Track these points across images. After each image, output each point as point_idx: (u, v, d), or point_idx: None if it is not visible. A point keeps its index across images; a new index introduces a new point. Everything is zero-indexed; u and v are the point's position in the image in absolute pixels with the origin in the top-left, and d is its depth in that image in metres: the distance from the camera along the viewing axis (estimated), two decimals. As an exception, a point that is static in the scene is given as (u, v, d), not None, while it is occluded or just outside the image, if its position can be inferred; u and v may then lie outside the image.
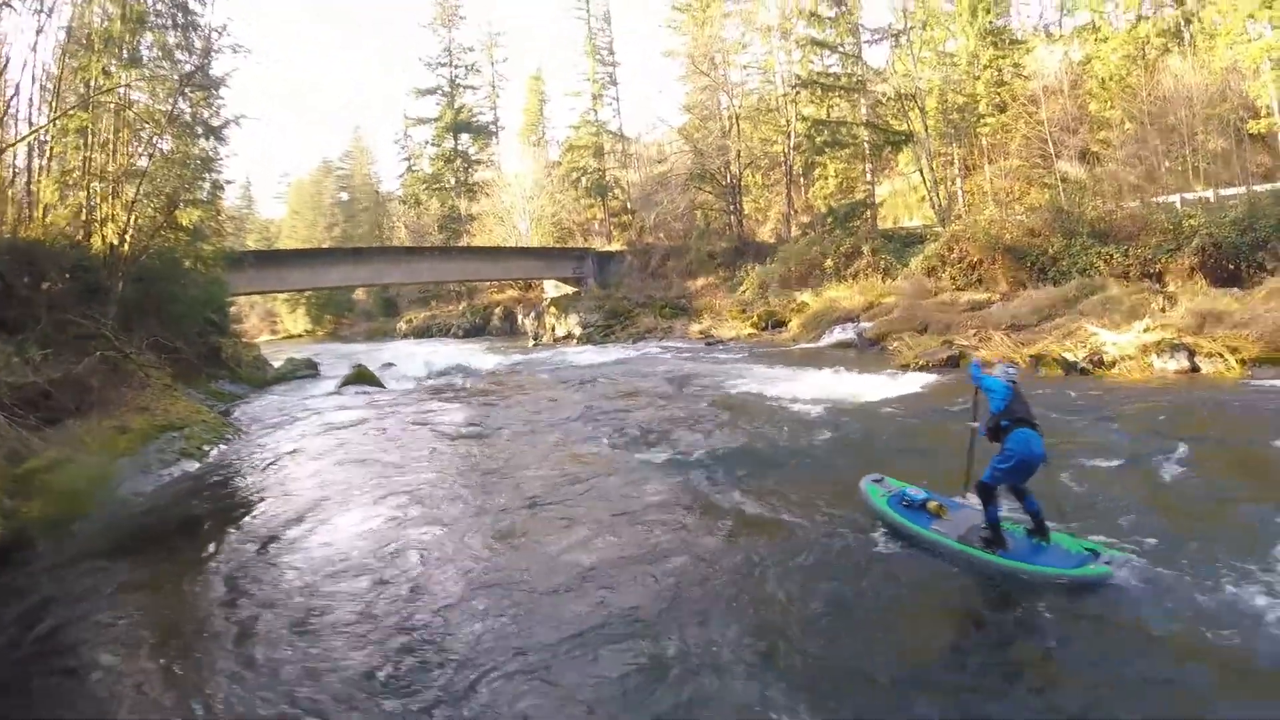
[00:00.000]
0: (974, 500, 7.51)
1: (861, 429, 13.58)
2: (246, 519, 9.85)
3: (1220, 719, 4.85)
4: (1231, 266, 23.26)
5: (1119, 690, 5.13)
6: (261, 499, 10.80)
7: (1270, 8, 28.27)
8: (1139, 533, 7.52)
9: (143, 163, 19.92)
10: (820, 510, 8.73)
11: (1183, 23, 36.35)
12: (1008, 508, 7.50)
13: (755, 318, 36.64)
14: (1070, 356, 18.72)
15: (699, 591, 6.79)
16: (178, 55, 21.44)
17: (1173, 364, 17.28)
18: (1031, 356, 19.42)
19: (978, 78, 41.39)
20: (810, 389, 17.88)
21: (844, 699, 5.16)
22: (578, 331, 42.67)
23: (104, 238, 18.84)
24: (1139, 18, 37.79)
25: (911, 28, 43.64)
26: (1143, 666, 5.38)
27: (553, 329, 45.23)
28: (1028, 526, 7.27)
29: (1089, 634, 5.85)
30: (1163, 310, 19.95)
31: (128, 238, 18.99)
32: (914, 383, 18.39)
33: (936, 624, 6.43)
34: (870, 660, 5.60)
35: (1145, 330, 18.63)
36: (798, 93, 46.40)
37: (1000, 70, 40.56)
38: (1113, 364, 18.09)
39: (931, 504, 7.89)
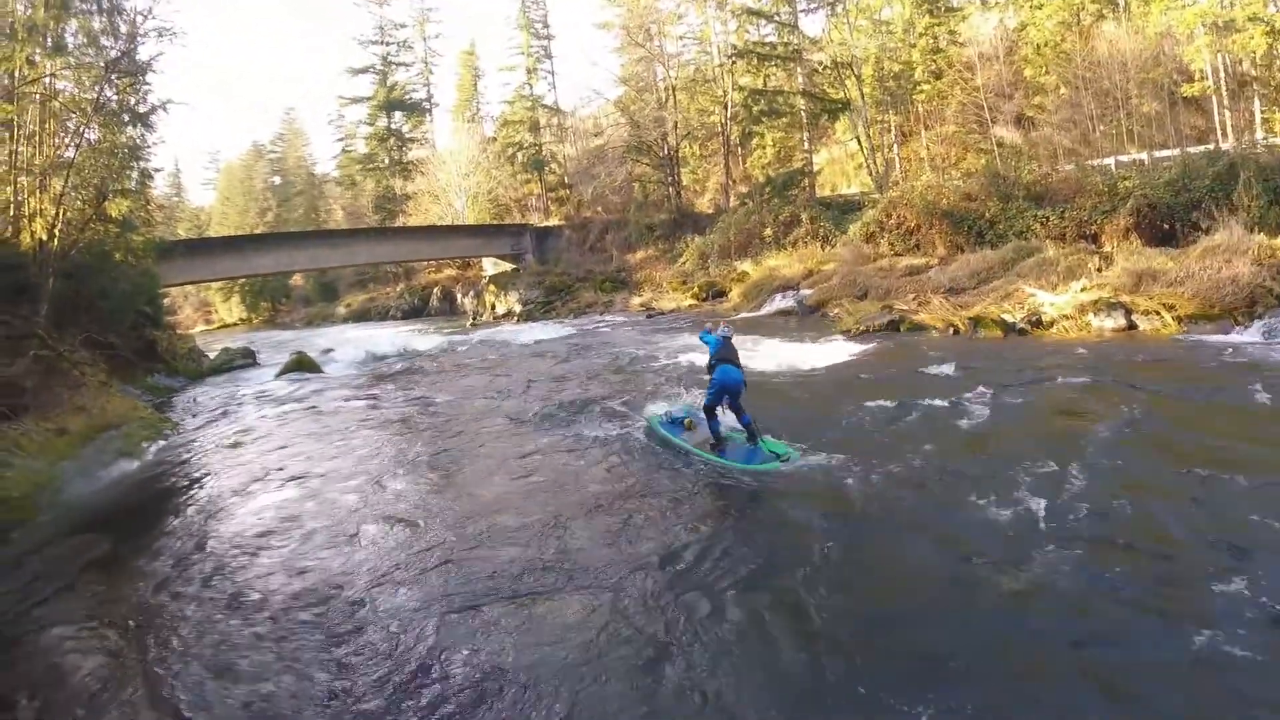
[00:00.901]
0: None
1: (782, 397, 13.71)
2: (188, 515, 9.71)
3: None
4: (1166, 226, 23.31)
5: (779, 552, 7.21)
6: (202, 494, 10.65)
7: (1205, -26, 28.43)
8: (910, 458, 9.37)
9: (70, 154, 19.08)
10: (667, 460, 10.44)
11: (1118, -12, 36.53)
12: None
13: (696, 288, 36.42)
14: (1009, 318, 18.67)
15: (569, 524, 8.22)
16: (103, 41, 20.44)
17: (1110, 322, 17.27)
18: (971, 319, 19.29)
19: (913, 45, 41.43)
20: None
21: (612, 551, 7.41)
22: (517, 309, 42.13)
23: (33, 233, 18.02)
24: (1074, -16, 37.92)
25: (847, -5, 43.50)
26: (804, 537, 7.41)
27: (492, 307, 44.65)
28: (745, 437, 10.15)
29: (773, 511, 8.41)
30: (1099, 270, 19.81)
31: (57, 232, 18.24)
32: (851, 349, 18.33)
33: (687, 501, 8.82)
34: (643, 531, 7.90)
35: (1082, 290, 18.66)
36: (734, 62, 46.00)
37: (936, 37, 40.56)
38: (1051, 324, 18.05)
39: (686, 420, 10.95)
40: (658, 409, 12.02)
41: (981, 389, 12.50)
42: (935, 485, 8.49)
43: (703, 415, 10.51)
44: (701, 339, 10.95)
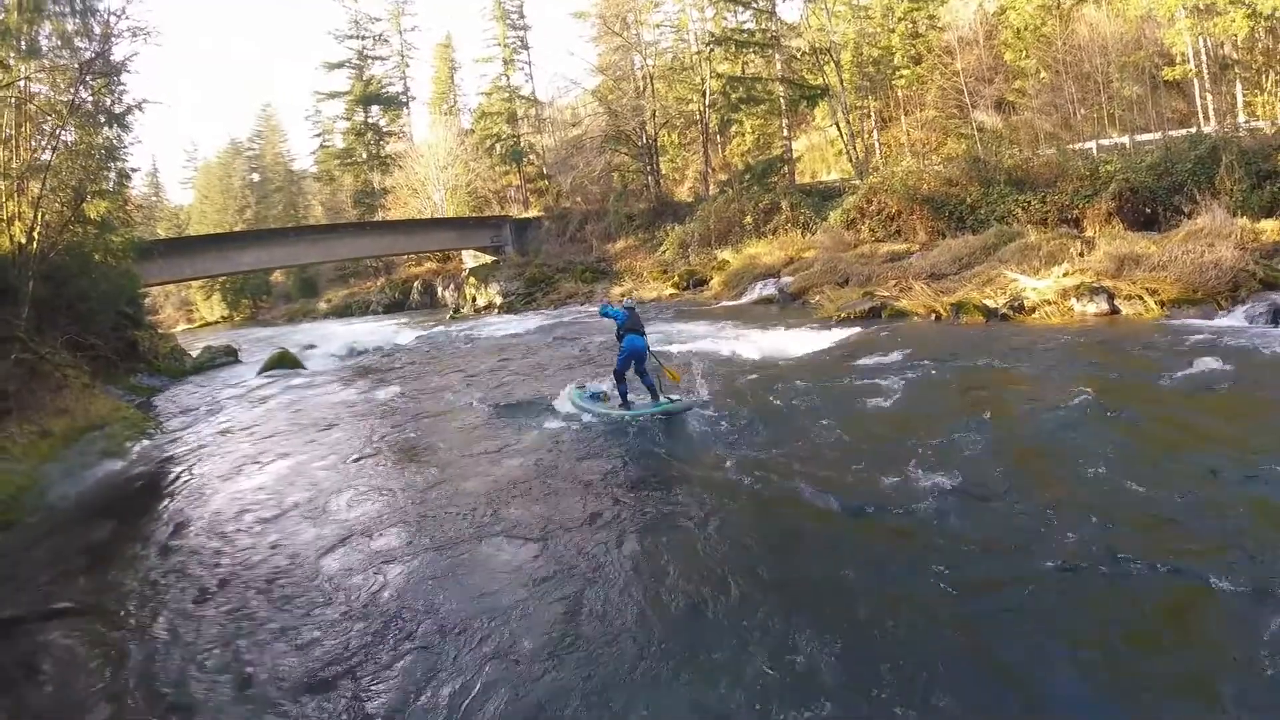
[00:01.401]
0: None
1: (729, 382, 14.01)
2: (172, 510, 9.88)
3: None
4: (1148, 210, 23.17)
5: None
6: (186, 489, 10.82)
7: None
8: (821, 431, 10.19)
9: (47, 156, 18.83)
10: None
11: (1098, -28, 36.34)
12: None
13: (677, 277, 36.07)
14: (991, 303, 18.40)
15: (516, 490, 9.12)
16: (77, 43, 20.16)
17: (1093, 307, 17.01)
18: (952, 305, 19.01)
19: (892, 30, 41.35)
20: (712, 345, 18.30)
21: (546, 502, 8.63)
22: (498, 301, 41.83)
23: (11, 237, 17.80)
24: (1055, -32, 37.70)
25: (825, -19, 43.20)
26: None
27: (473, 299, 44.30)
28: (646, 396, 12.13)
29: (680, 473, 9.33)
30: (1081, 255, 19.57)
31: (36, 235, 17.96)
32: (826, 338, 17.99)
33: (601, 453, 10.43)
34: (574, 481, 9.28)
35: (1064, 275, 18.42)
36: (712, 50, 45.56)
37: (915, 22, 40.54)
38: (1033, 309, 17.79)
39: (602, 394, 12.67)
40: (575, 386, 13.60)
41: (926, 370, 13.30)
42: (837, 454, 9.21)
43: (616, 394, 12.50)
44: (603, 313, 12.90)
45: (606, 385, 13.07)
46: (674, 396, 12.11)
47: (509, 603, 6.25)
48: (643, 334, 12.14)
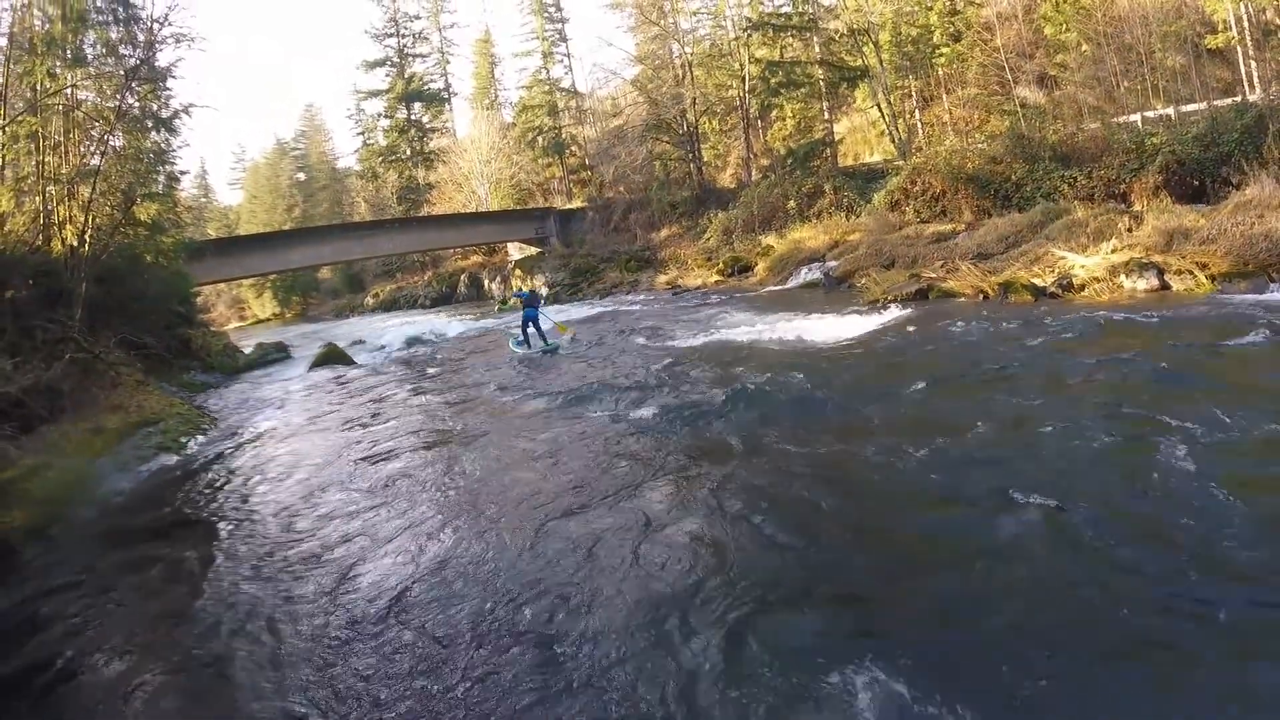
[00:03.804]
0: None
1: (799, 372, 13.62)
2: (229, 506, 9.99)
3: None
4: (1196, 183, 23.01)
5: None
6: (242, 485, 10.97)
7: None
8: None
9: (96, 161, 19.51)
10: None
11: (1136, -60, 35.87)
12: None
13: (721, 264, 36.35)
14: (1039, 282, 18.51)
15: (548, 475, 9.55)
16: (121, 50, 20.87)
17: (1142, 283, 17.03)
18: (1000, 285, 19.12)
19: (930, 8, 41.07)
20: (752, 330, 18.62)
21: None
22: (544, 291, 42.23)
23: (64, 240, 18.52)
24: (1091, -63, 37.25)
25: (861, -39, 43.03)
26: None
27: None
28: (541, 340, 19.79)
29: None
30: (1129, 230, 19.57)
31: (88, 238, 18.69)
32: (874, 321, 18.08)
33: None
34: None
35: (1113, 251, 18.37)
36: (749, 35, 45.46)
37: (953, -1, 40.15)
38: (1082, 286, 17.85)
39: (521, 339, 19.74)
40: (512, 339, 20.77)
41: (973, 349, 13.38)
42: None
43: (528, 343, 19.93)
44: (515, 294, 22.47)
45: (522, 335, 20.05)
46: (553, 343, 19.78)
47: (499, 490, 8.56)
48: (537, 307, 20.01)
